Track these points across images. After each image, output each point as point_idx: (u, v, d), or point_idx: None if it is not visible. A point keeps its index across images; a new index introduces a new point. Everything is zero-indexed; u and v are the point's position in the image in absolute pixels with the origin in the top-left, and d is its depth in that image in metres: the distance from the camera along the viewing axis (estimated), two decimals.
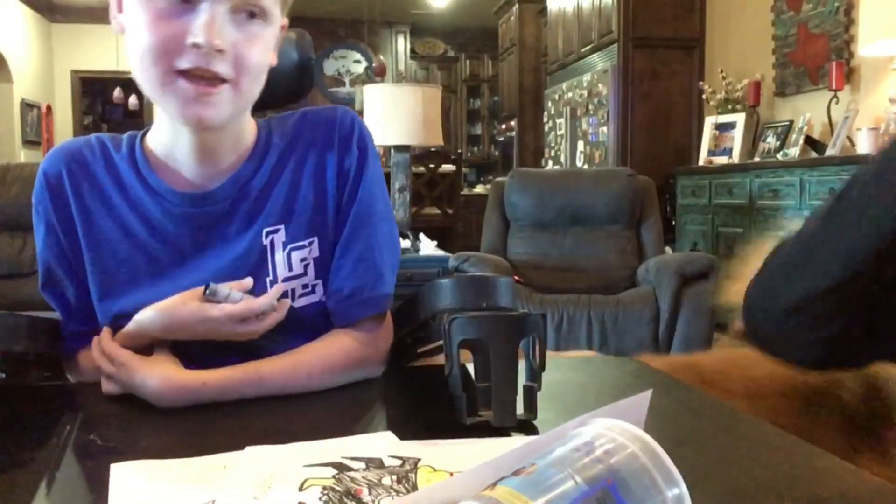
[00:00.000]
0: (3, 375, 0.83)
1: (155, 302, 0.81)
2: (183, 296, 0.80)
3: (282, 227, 0.88)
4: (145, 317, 0.80)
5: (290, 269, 0.87)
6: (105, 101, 10.46)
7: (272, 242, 0.87)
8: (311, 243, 0.88)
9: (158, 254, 0.87)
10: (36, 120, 8.95)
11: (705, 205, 4.66)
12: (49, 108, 9.33)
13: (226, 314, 0.78)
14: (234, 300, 0.79)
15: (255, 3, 0.78)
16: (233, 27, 0.78)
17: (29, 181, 2.72)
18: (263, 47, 0.81)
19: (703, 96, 5.13)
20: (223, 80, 0.78)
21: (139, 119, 9.64)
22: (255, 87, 0.83)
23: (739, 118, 4.81)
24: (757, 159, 4.52)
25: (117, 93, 9.78)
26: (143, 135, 0.91)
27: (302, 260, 0.88)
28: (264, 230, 0.87)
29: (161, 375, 0.77)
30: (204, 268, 0.86)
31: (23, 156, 8.35)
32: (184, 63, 0.76)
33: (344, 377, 0.85)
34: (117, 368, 0.79)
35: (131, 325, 0.81)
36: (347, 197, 0.89)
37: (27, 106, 8.65)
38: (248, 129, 0.90)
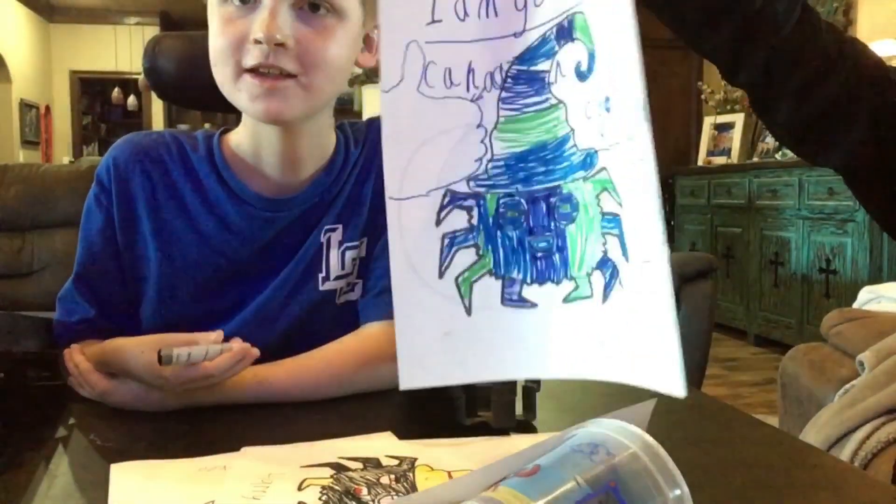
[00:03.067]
0: (2, 375, 0.83)
1: (220, 307, 0.83)
2: (146, 342, 0.74)
3: (340, 226, 0.88)
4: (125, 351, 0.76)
5: (343, 267, 0.88)
6: (104, 102, 10.45)
7: (328, 241, 0.88)
8: (361, 243, 0.89)
9: (232, 257, 0.87)
10: (35, 120, 8.95)
11: (704, 205, 4.67)
12: (48, 108, 9.32)
13: (178, 376, 0.72)
14: (196, 359, 0.72)
15: None
16: (298, 21, 0.77)
17: (28, 181, 2.72)
18: (336, 42, 0.80)
19: (702, 96, 5.14)
20: (290, 76, 0.78)
21: (138, 119, 9.63)
22: (327, 85, 0.82)
23: (738, 118, 4.81)
24: (756, 159, 4.53)
25: (116, 93, 9.80)
26: (221, 134, 0.90)
27: (353, 259, 0.89)
28: (324, 228, 0.88)
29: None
30: (271, 269, 0.87)
31: (22, 156, 8.34)
32: (249, 60, 0.77)
33: (353, 384, 0.81)
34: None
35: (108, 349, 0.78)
36: None
37: (26, 106, 8.64)
38: (331, 137, 0.91)
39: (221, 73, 0.80)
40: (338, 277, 0.89)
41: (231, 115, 0.97)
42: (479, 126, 0.57)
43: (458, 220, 0.58)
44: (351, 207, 0.90)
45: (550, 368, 0.56)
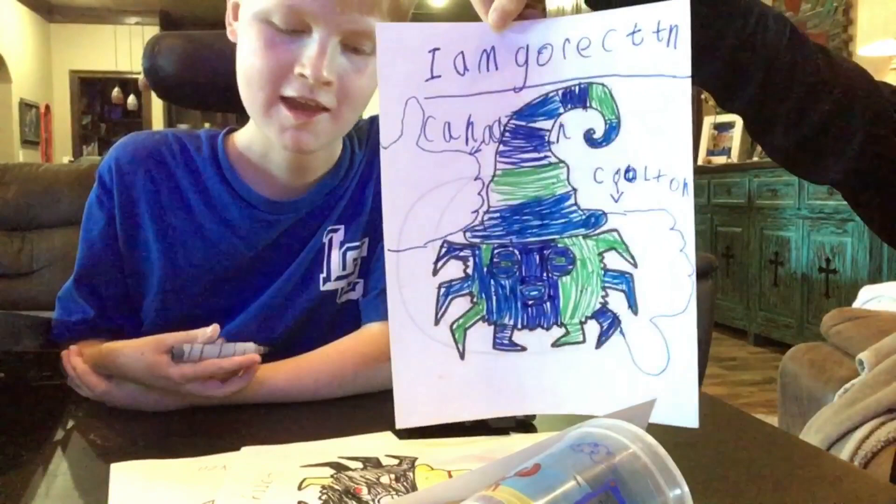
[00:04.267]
0: (2, 375, 0.83)
1: (222, 307, 0.83)
2: (144, 344, 0.74)
3: (342, 226, 0.89)
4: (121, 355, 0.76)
5: (344, 268, 0.89)
6: (104, 101, 10.44)
7: (330, 241, 0.88)
8: (362, 243, 0.89)
9: (235, 258, 0.87)
10: (35, 120, 8.94)
11: (704, 204, 4.67)
12: (48, 107, 9.32)
13: (182, 375, 0.72)
14: (209, 355, 0.73)
15: (368, 37, 0.77)
16: (343, 58, 0.77)
17: (28, 181, 2.72)
18: (370, 78, 0.80)
19: (702, 96, 5.14)
20: (324, 109, 0.78)
21: (138, 119, 9.64)
22: (354, 116, 0.83)
23: (738, 118, 4.81)
24: (755, 159, 4.53)
25: (116, 92, 9.78)
26: (226, 134, 0.90)
27: (354, 260, 0.89)
28: (326, 228, 0.88)
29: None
30: (273, 270, 0.87)
31: (21, 156, 8.35)
32: (289, 91, 0.76)
33: (353, 385, 0.82)
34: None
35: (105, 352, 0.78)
36: None
37: (26, 106, 8.64)
38: (338, 140, 0.90)
39: (255, 96, 0.79)
40: (339, 278, 0.89)
41: (231, 115, 0.97)
42: (476, 178, 0.59)
43: (453, 269, 0.60)
44: (353, 208, 0.90)
45: (540, 405, 0.60)
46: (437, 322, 0.59)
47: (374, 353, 0.83)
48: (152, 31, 8.45)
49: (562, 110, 0.57)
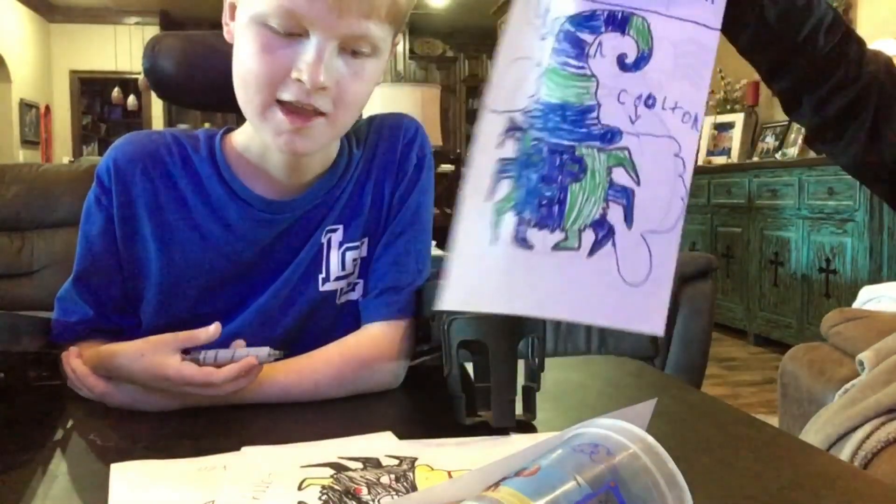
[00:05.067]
0: (3, 375, 0.83)
1: (221, 308, 0.84)
2: (144, 344, 0.74)
3: (340, 226, 0.88)
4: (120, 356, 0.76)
5: (343, 268, 0.89)
6: (104, 101, 10.44)
7: (329, 241, 0.88)
8: (362, 243, 0.90)
9: (233, 258, 0.87)
10: (34, 120, 8.94)
11: (704, 204, 4.67)
12: (48, 108, 9.32)
13: (182, 377, 0.72)
14: (223, 360, 0.73)
15: (367, 42, 0.77)
16: (340, 63, 0.77)
17: (28, 181, 2.72)
18: (368, 82, 0.80)
19: None
20: (320, 113, 0.78)
21: (138, 119, 9.64)
22: (351, 119, 0.83)
23: (738, 118, 4.81)
24: (756, 159, 4.53)
25: (116, 93, 9.78)
26: (223, 134, 0.90)
27: (353, 260, 0.89)
28: (325, 228, 0.88)
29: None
30: (272, 270, 0.87)
31: (21, 156, 8.35)
32: (285, 95, 0.76)
33: (354, 384, 0.82)
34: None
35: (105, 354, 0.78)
36: (398, 200, 0.90)
37: (26, 106, 8.64)
38: (335, 141, 0.90)
39: (250, 99, 0.79)
40: (338, 278, 0.89)
41: (231, 114, 0.97)
42: (538, 64, 0.60)
43: (509, 147, 0.61)
44: (352, 208, 0.89)
45: (538, 308, 0.62)
46: (487, 197, 0.60)
47: (374, 353, 0.83)
48: (152, 31, 8.45)
49: (603, 29, 0.60)
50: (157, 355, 0.72)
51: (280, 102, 0.77)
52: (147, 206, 0.86)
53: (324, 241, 0.88)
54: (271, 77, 0.76)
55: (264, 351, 0.74)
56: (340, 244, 0.89)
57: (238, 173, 0.87)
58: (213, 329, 0.73)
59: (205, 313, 0.85)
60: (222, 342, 0.75)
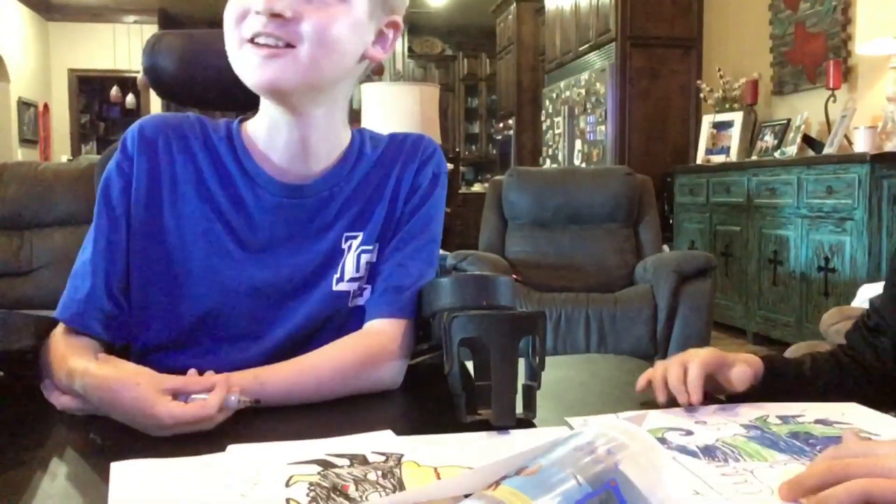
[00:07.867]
0: (2, 375, 0.83)
1: (226, 283, 0.86)
2: (137, 374, 0.72)
3: (361, 233, 0.91)
4: (88, 375, 0.73)
5: (358, 270, 0.90)
6: (102, 100, 10.41)
7: (350, 247, 0.91)
8: (374, 247, 0.91)
9: (242, 236, 0.88)
10: (33, 118, 8.94)
11: (703, 203, 4.66)
12: (46, 106, 9.32)
13: (173, 417, 0.68)
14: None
15: None
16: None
17: (26, 180, 2.71)
18: (334, 21, 0.82)
19: (701, 95, 5.14)
20: (290, 46, 0.80)
21: (136, 118, 9.57)
22: (326, 61, 0.83)
23: (737, 117, 4.81)
24: (754, 158, 4.53)
25: (114, 91, 9.77)
26: (241, 121, 0.93)
27: (367, 263, 0.91)
28: (345, 234, 0.90)
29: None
30: (281, 262, 0.88)
31: (20, 154, 8.34)
32: (247, 31, 0.81)
33: (356, 381, 0.82)
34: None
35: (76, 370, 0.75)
36: (409, 210, 0.93)
37: (24, 105, 8.64)
38: (344, 133, 0.93)
39: (228, 44, 0.84)
40: (352, 279, 0.90)
41: (230, 113, 0.98)
42: None
43: None
44: (368, 215, 0.92)
45: None
46: None
47: (377, 350, 0.83)
48: (151, 29, 8.44)
49: None
50: (152, 389, 0.69)
51: (249, 41, 0.81)
52: (166, 174, 0.88)
53: (345, 246, 0.90)
54: (237, 17, 0.81)
55: (245, 399, 0.72)
56: (357, 247, 0.91)
57: (251, 154, 0.90)
58: (209, 382, 0.72)
59: (215, 301, 0.87)
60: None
